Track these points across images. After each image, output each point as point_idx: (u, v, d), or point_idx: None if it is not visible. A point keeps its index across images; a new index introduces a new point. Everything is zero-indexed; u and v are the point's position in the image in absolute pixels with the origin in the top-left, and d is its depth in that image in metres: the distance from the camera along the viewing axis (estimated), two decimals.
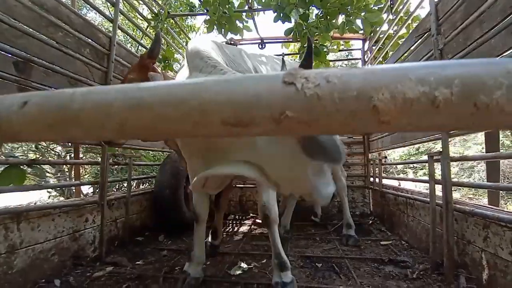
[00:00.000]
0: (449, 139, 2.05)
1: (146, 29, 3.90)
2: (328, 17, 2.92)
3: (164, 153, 3.95)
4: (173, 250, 2.54)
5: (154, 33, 3.37)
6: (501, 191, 4.09)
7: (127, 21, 5.75)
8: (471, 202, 2.23)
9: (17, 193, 1.99)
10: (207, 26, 3.28)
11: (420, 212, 2.44)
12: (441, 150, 2.00)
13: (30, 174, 3.54)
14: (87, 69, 2.35)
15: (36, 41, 1.90)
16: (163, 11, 3.61)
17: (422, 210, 2.42)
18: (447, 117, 0.22)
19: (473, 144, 6.80)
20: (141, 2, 4.88)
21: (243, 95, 0.25)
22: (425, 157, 2.28)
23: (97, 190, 2.56)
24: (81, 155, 4.62)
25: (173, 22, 4.33)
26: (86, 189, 4.87)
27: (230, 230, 3.33)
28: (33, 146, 5.03)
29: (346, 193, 3.00)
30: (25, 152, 5.10)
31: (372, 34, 3.91)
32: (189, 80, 0.29)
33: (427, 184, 2.14)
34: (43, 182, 4.03)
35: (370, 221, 3.45)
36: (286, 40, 4.42)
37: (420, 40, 2.49)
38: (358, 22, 2.96)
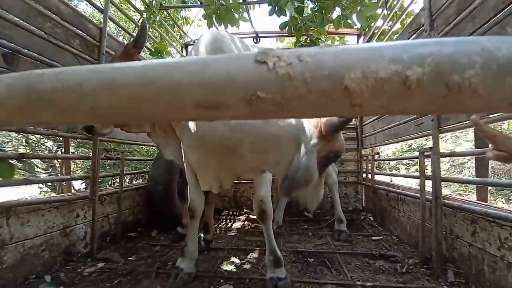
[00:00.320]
0: (440, 136, 2.07)
1: (138, 21, 3.83)
2: (324, 11, 2.91)
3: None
4: (166, 246, 2.54)
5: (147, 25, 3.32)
6: (490, 187, 4.17)
7: (119, 13, 5.63)
8: (460, 197, 2.26)
9: (6, 189, 1.95)
10: (206, 20, 3.23)
11: (411, 208, 2.47)
12: (431, 146, 2.03)
13: (20, 169, 3.48)
14: (77, 61, 2.30)
15: (24, 32, 1.85)
16: (155, 2, 3.55)
17: (412, 205, 2.45)
18: (419, 99, 0.22)
19: (464, 141, 6.90)
20: None
21: (215, 75, 0.24)
22: (417, 154, 2.31)
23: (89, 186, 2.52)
24: (72, 150, 4.55)
25: (167, 15, 4.26)
26: (79, 185, 4.81)
27: (224, 225, 3.33)
28: (24, 141, 4.94)
29: (337, 188, 3.02)
30: (15, 147, 5.00)
31: (367, 30, 3.91)
32: (162, 60, 0.28)
33: (418, 180, 2.16)
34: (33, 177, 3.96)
35: (362, 217, 3.48)
36: (281, 34, 4.39)
37: (413, 36, 2.50)
38: (354, 17, 2.95)
